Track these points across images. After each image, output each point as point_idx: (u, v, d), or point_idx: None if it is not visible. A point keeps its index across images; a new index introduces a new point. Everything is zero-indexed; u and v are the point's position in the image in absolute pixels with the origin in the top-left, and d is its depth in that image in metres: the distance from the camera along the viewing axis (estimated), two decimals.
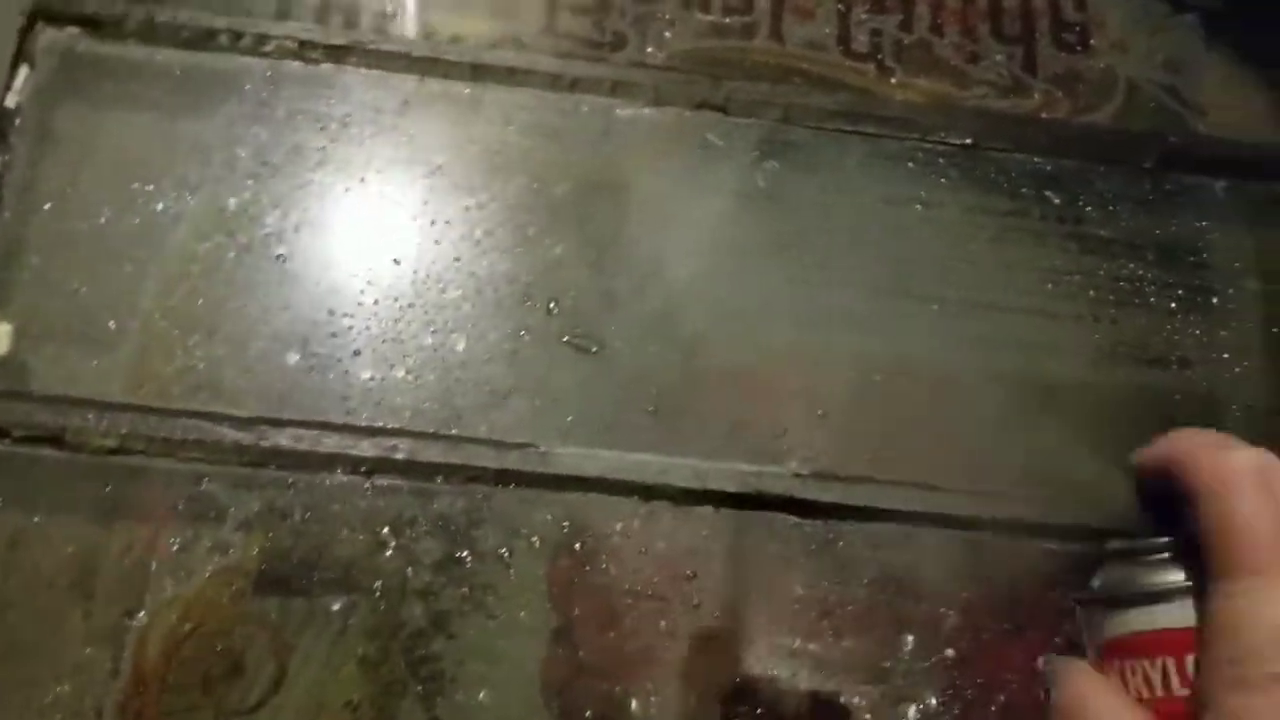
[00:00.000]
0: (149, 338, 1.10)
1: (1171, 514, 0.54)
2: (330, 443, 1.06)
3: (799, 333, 1.17)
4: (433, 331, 1.12)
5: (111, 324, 1.10)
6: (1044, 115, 1.35)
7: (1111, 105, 1.38)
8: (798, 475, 1.11)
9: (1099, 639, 0.55)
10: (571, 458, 1.09)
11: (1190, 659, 0.47)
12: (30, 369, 1.08)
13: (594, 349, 1.14)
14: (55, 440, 1.04)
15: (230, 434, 1.05)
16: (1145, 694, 0.48)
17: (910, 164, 1.29)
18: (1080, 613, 0.58)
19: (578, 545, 1.06)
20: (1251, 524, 0.44)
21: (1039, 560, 1.12)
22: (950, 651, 1.08)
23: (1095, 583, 0.57)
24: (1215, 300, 1.26)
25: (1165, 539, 0.54)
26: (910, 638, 1.07)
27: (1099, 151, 1.32)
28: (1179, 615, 0.48)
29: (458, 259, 1.16)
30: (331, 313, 1.12)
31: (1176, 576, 0.50)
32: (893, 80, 1.36)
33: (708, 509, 1.09)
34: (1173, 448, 0.52)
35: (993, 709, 1.06)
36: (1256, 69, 1.43)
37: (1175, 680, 0.47)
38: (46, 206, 1.14)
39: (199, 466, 1.06)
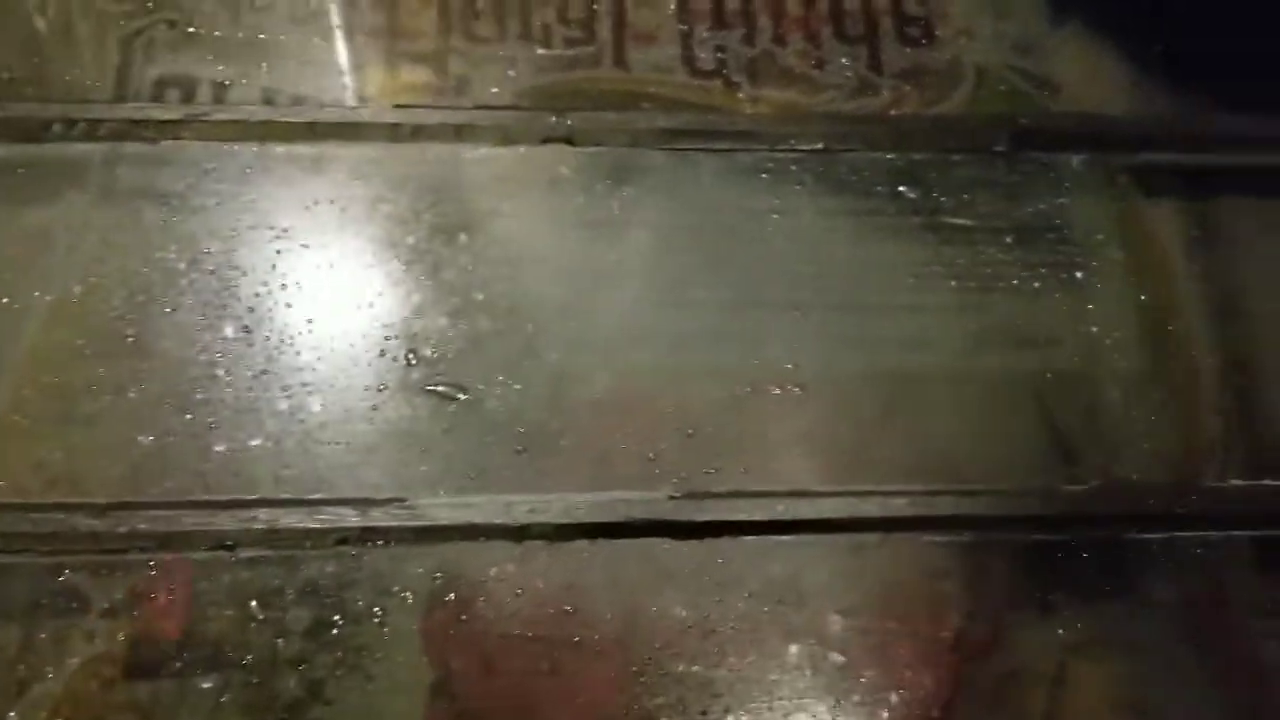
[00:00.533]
0: (4, 436, 1.08)
1: None
2: (189, 521, 1.05)
3: (662, 355, 1.17)
4: (288, 396, 1.11)
5: None
6: (893, 112, 1.35)
7: (960, 94, 1.39)
8: (671, 498, 1.11)
9: None
10: (440, 508, 1.08)
11: None
12: None
13: (457, 395, 1.13)
14: None
15: (87, 523, 1.04)
16: None
17: (764, 175, 1.29)
18: None
19: (451, 595, 1.05)
20: None
21: (921, 554, 1.11)
22: (838, 657, 1.06)
23: None
24: (1080, 275, 1.27)
25: None
26: (796, 648, 1.06)
27: (950, 141, 1.32)
28: None
29: (310, 320, 1.15)
30: (184, 389, 1.10)
31: None
32: (740, 95, 1.36)
33: (582, 543, 1.09)
34: None
35: (885, 711, 1.04)
36: (1106, 40, 1.44)
37: None
38: None
39: (60, 559, 1.04)
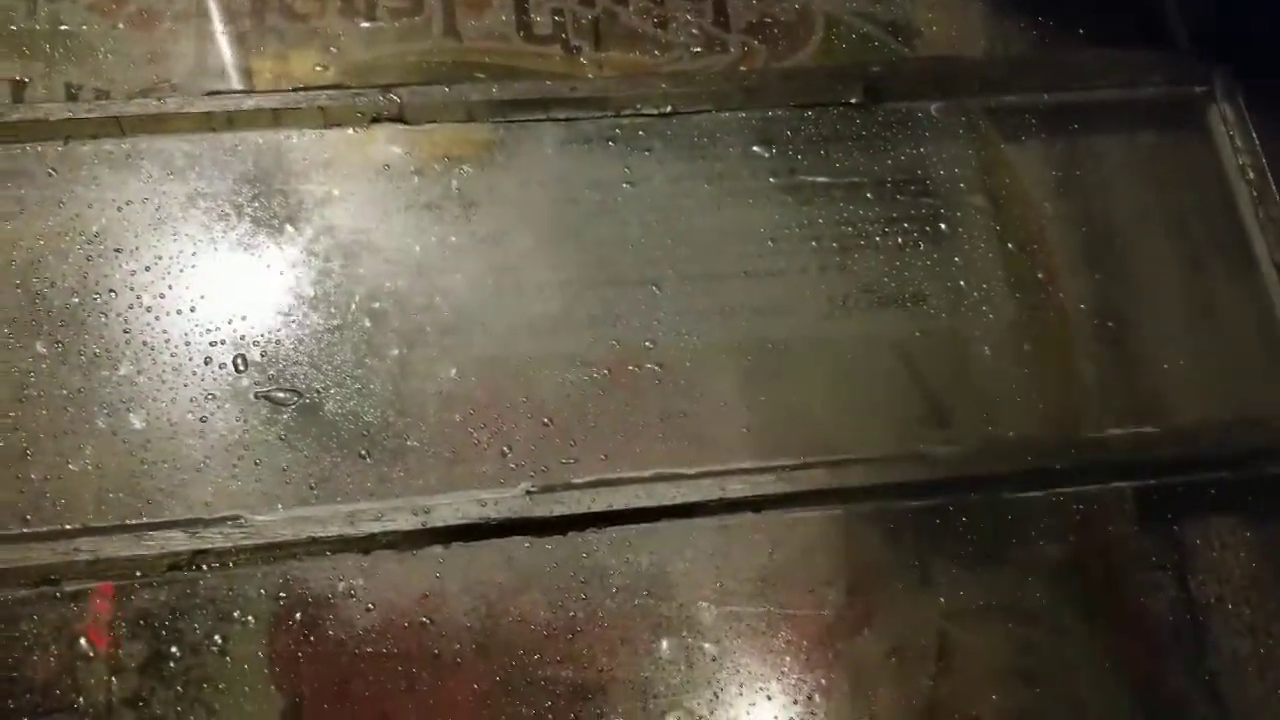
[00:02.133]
0: None
1: None
2: (6, 556, 0.99)
3: (511, 342, 1.13)
4: (108, 414, 1.05)
5: None
6: (743, 68, 1.32)
7: (811, 45, 1.36)
8: (529, 493, 1.07)
9: None
10: (279, 523, 1.03)
11: None
12: None
13: (292, 399, 1.08)
14: None
15: None
16: None
17: (610, 143, 1.25)
18: None
19: (297, 616, 1.00)
20: None
21: (793, 532, 1.09)
22: (712, 648, 1.03)
23: None
24: (944, 227, 1.25)
25: None
26: (668, 642, 1.03)
27: (803, 96, 1.30)
28: None
29: (127, 330, 1.09)
30: None
31: None
32: (582, 59, 1.31)
33: (436, 549, 1.05)
34: None
35: (766, 699, 1.02)
36: None
37: None
38: None
39: None
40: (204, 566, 1.01)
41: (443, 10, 1.33)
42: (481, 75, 1.29)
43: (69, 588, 1.01)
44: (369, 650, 1.00)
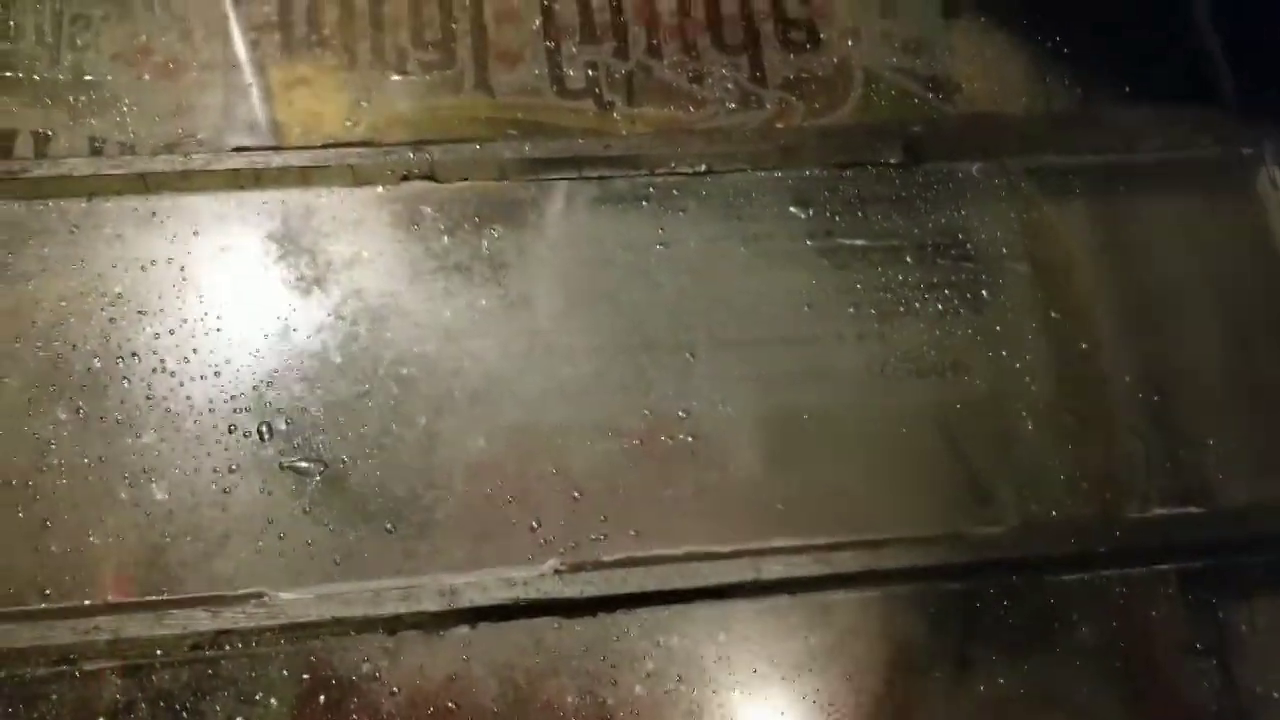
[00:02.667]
0: None
1: None
2: (26, 635, 0.98)
3: (541, 410, 1.12)
4: (129, 485, 1.04)
5: None
6: (779, 125, 1.30)
7: (850, 102, 1.34)
8: (558, 571, 1.05)
9: None
10: (303, 601, 1.02)
11: None
12: None
13: (317, 470, 1.06)
14: None
15: None
16: None
17: (644, 202, 1.23)
18: None
19: (321, 699, 0.99)
20: None
21: (830, 615, 1.07)
22: None
23: None
24: (985, 294, 1.23)
25: None
26: None
27: (841, 155, 1.28)
28: None
29: (150, 396, 1.08)
30: (12, 483, 1.03)
31: None
32: (615, 114, 1.30)
33: (463, 629, 1.03)
34: None
35: None
36: (1004, 32, 1.40)
37: None
38: None
39: None
40: (226, 646, 1.01)
41: (474, 63, 1.31)
42: (513, 131, 1.27)
43: (88, 667, 0.98)
44: None
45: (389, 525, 1.05)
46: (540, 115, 1.30)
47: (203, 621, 1.00)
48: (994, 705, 1.06)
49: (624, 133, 1.29)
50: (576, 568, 1.05)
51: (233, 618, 1.00)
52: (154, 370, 1.10)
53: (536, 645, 1.03)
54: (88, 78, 1.25)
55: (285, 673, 1.00)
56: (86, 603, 1.01)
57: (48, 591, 1.01)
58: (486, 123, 1.29)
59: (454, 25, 1.33)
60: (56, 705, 0.98)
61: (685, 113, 1.32)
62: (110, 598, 0.99)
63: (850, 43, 1.37)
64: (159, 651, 1.00)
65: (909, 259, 1.24)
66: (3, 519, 1.02)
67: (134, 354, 1.10)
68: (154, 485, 1.06)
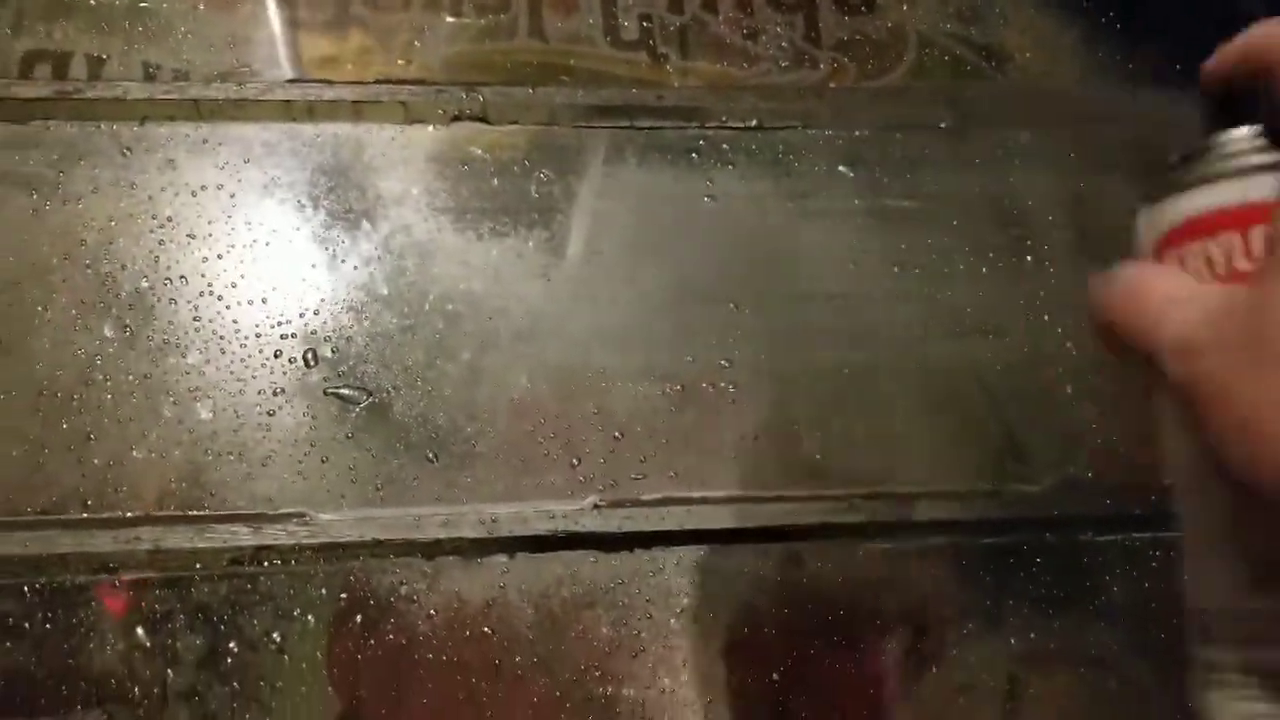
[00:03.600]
0: None
1: (1243, 111, 0.56)
2: (66, 542, 1.02)
3: (585, 352, 1.15)
4: (174, 403, 1.08)
5: None
6: (832, 85, 1.34)
7: (903, 65, 1.38)
8: (597, 507, 1.09)
9: (1158, 231, 0.57)
10: (344, 523, 1.05)
11: (1258, 230, 0.49)
12: None
13: (361, 398, 1.10)
14: None
15: None
16: (1205, 272, 0.50)
17: (693, 155, 1.27)
18: (1140, 217, 0.61)
19: (358, 619, 1.03)
20: None
21: (862, 563, 1.10)
22: (776, 676, 1.05)
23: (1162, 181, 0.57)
24: (1030, 259, 1.27)
25: (1236, 128, 0.56)
26: (731, 666, 1.05)
27: (892, 117, 1.32)
28: (1247, 189, 0.50)
29: (196, 318, 1.12)
30: (57, 396, 1.07)
31: (1250, 158, 0.51)
32: (668, 67, 1.34)
33: (501, 558, 1.07)
34: (1248, 38, 0.53)
35: None
36: (1058, 5, 1.43)
37: (1239, 254, 0.49)
38: None
39: None
40: (266, 563, 1.04)
41: (529, 9, 1.35)
42: (566, 79, 1.31)
43: (127, 576, 1.02)
44: (429, 657, 1.02)
45: (430, 455, 1.09)
46: (593, 64, 1.34)
47: (243, 537, 1.03)
48: (1025, 659, 1.09)
49: (676, 85, 1.33)
50: (615, 504, 1.09)
51: (273, 535, 1.04)
52: (201, 294, 1.14)
53: (573, 577, 1.07)
54: (143, 5, 1.30)
55: (323, 591, 1.03)
56: (128, 514, 1.03)
57: (89, 502, 1.05)
58: (538, 69, 1.33)
59: None
60: (95, 612, 1.01)
61: (738, 69, 1.35)
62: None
63: (905, 7, 1.42)
64: (198, 565, 1.03)
65: (955, 222, 1.28)
66: (47, 430, 1.05)
67: (182, 277, 1.14)
68: (198, 405, 1.09)
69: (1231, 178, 0.54)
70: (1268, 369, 0.44)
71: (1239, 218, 0.52)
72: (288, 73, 1.27)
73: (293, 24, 1.30)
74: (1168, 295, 0.49)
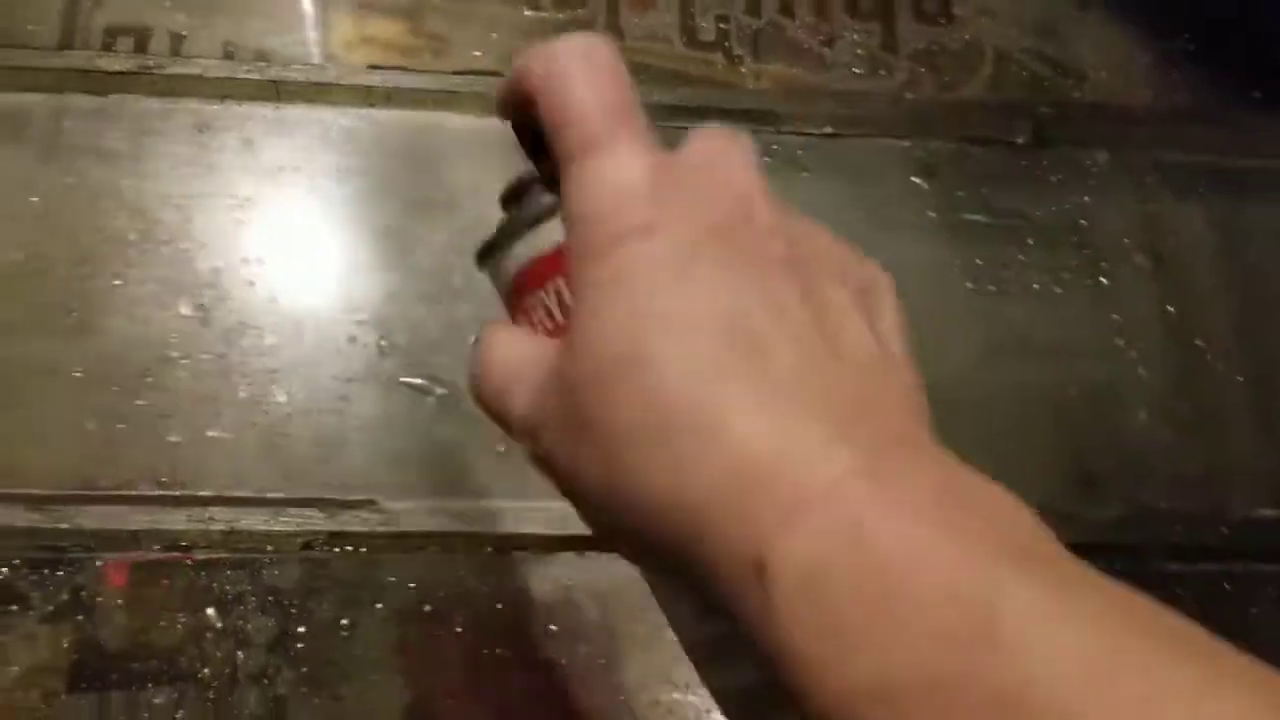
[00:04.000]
0: None
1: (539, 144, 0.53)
2: (141, 519, 1.03)
3: None
4: (249, 384, 1.10)
5: None
6: (908, 95, 1.35)
7: (979, 78, 1.39)
8: None
9: (506, 282, 0.52)
10: (415, 512, 1.07)
11: (560, 281, 0.47)
12: None
13: (434, 389, 1.12)
14: None
15: (27, 516, 1.01)
16: (549, 324, 0.48)
17: (767, 159, 1.28)
18: (491, 279, 0.57)
19: (427, 608, 1.04)
20: (581, 102, 0.45)
21: None
22: None
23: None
24: (1104, 281, 1.28)
25: (532, 169, 0.54)
26: None
27: (968, 130, 1.34)
28: (555, 233, 0.48)
29: (273, 300, 1.13)
30: (134, 373, 1.08)
31: (547, 198, 0.50)
32: (743, 69, 1.35)
33: (570, 555, 1.08)
34: (514, 70, 0.50)
35: None
36: (1135, 25, 1.45)
37: (566, 295, 0.46)
38: None
39: None
40: (337, 549, 1.05)
41: (607, 4, 1.37)
42: (643, 76, 1.32)
43: (200, 556, 1.04)
44: (495, 651, 1.04)
45: (501, 448, 1.11)
46: (668, 63, 1.36)
47: (316, 521, 1.05)
48: None
49: (751, 87, 1.34)
50: None
51: (346, 521, 1.05)
52: (277, 276, 1.15)
53: (640, 578, 1.08)
54: None
55: (393, 579, 1.05)
56: (201, 493, 1.05)
57: (164, 479, 1.06)
58: None
59: None
60: (167, 590, 1.02)
61: (814, 74, 1.37)
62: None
63: (983, 20, 1.43)
64: (270, 547, 1.05)
65: (1030, 240, 1.29)
66: (123, 406, 1.07)
67: (259, 258, 1.16)
68: (273, 387, 1.11)
69: (546, 219, 0.52)
70: (579, 451, 0.44)
71: (554, 263, 0.48)
72: (367, 59, 1.27)
73: (371, 10, 1.31)
74: (506, 370, 0.47)
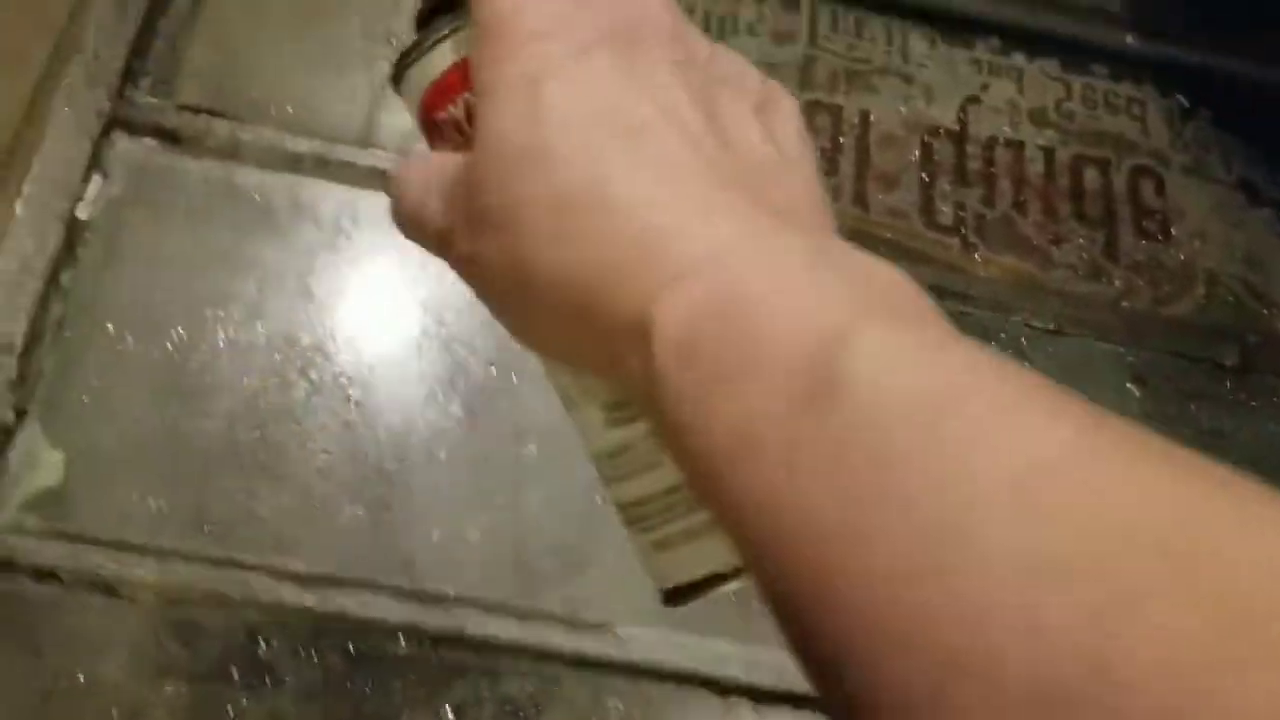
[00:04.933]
0: (210, 478, 1.04)
1: None
2: (398, 612, 1.00)
3: None
4: (507, 489, 1.06)
5: (171, 460, 1.03)
6: (1125, 304, 1.32)
7: (1192, 297, 1.36)
8: None
9: (420, 120, 0.48)
10: (648, 644, 1.04)
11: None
12: (80, 504, 1.02)
13: None
14: (106, 588, 0.96)
15: (292, 593, 0.98)
16: (459, 139, 0.43)
17: (992, 344, 1.25)
18: (408, 107, 0.53)
19: None
20: None
21: None
22: None
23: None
24: None
25: None
26: None
27: (1180, 345, 1.31)
28: (463, 47, 0.44)
29: (534, 407, 1.10)
30: (401, 464, 1.07)
31: (455, 17, 0.45)
32: (976, 255, 1.33)
33: (785, 709, 1.04)
34: None
35: None
36: None
37: (475, 104, 0.42)
38: (109, 326, 1.08)
39: (255, 623, 0.98)
40: (572, 667, 1.02)
41: (855, 175, 1.35)
42: (883, 249, 1.30)
43: (446, 655, 1.01)
44: None
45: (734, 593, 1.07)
46: (907, 240, 1.34)
47: (556, 638, 1.02)
48: None
49: (982, 275, 1.32)
50: None
51: (583, 642, 1.02)
52: (538, 383, 1.13)
53: None
54: None
55: (620, 706, 1.02)
56: (452, 593, 1.02)
57: (415, 575, 1.03)
58: (855, 234, 1.32)
59: (840, 139, 1.37)
60: (412, 685, 0.99)
61: (1040, 270, 1.35)
62: None
63: (1198, 243, 1.40)
64: (510, 656, 1.01)
65: (1232, 460, 1.24)
66: (393, 499, 1.05)
67: (524, 369, 1.13)
68: (527, 494, 1.08)
69: (452, 36, 0.46)
70: (484, 242, 0.41)
71: (464, 77, 0.44)
72: None
73: None
74: (417, 187, 0.45)
